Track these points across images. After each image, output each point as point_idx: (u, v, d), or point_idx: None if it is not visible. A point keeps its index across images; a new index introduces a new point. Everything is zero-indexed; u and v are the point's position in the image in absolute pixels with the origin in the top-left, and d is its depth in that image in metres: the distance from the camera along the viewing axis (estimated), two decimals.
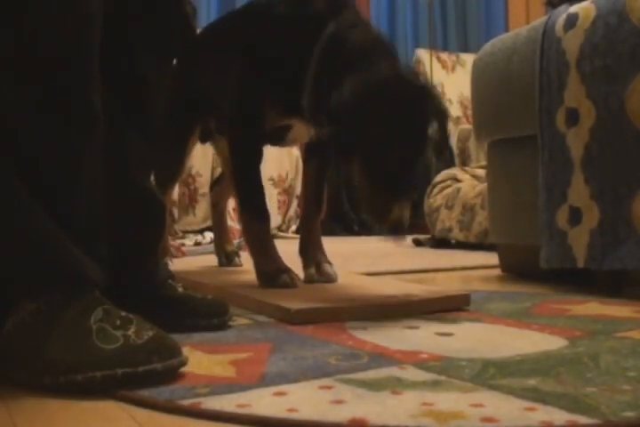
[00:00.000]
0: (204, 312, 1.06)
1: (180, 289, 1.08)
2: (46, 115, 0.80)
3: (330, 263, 1.45)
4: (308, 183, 1.54)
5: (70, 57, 0.82)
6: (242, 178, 1.42)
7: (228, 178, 1.75)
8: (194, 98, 1.63)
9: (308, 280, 1.41)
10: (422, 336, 0.99)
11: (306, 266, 1.45)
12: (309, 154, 1.53)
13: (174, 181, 1.78)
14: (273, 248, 1.39)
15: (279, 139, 1.45)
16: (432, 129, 1.18)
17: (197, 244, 2.99)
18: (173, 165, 1.71)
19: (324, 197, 1.53)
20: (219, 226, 1.90)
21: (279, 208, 3.72)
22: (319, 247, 1.48)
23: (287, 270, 1.35)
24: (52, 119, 0.81)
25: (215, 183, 1.94)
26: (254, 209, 1.40)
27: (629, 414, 0.62)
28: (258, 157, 1.41)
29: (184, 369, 0.77)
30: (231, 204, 3.20)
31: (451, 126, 4.53)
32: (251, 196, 1.40)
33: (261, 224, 1.40)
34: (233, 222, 2.69)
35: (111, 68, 0.94)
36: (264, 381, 0.74)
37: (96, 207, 0.86)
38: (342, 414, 0.63)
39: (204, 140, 1.76)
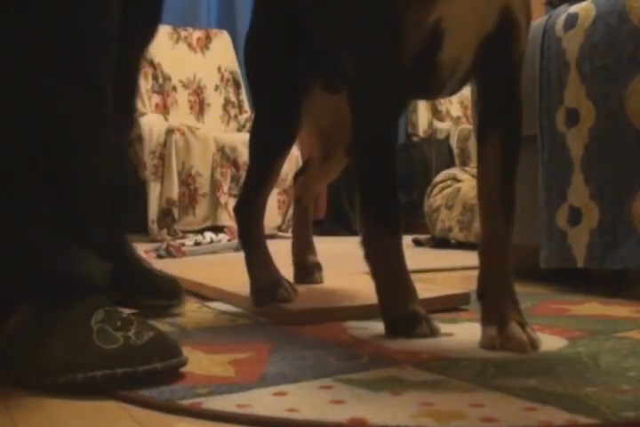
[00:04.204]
0: (166, 293, 1.07)
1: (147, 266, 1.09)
2: (61, 108, 0.80)
3: (523, 324, 0.91)
4: (484, 177, 0.97)
5: (92, 49, 0.82)
6: (371, 163, 0.99)
7: (314, 166, 1.45)
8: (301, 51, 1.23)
9: (488, 346, 0.90)
10: None
11: (486, 322, 0.93)
12: (484, 128, 0.98)
13: (287, 147, 1.26)
14: (406, 275, 0.99)
15: (429, 77, 0.96)
16: None
17: (197, 244, 2.98)
18: (284, 130, 1.24)
19: (513, 201, 0.96)
20: (301, 228, 1.46)
21: (279, 208, 3.72)
22: (507, 291, 0.94)
23: (426, 318, 0.97)
24: (67, 114, 0.81)
25: (299, 173, 1.51)
26: (384, 212, 0.98)
27: (629, 414, 0.62)
28: (395, 125, 0.98)
29: (184, 369, 0.77)
30: (231, 203, 3.20)
31: (451, 126, 4.56)
32: (381, 191, 0.98)
33: (393, 236, 0.98)
34: (233, 222, 2.68)
35: None
36: (264, 381, 0.74)
37: (99, 207, 0.86)
38: (342, 414, 0.63)
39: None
